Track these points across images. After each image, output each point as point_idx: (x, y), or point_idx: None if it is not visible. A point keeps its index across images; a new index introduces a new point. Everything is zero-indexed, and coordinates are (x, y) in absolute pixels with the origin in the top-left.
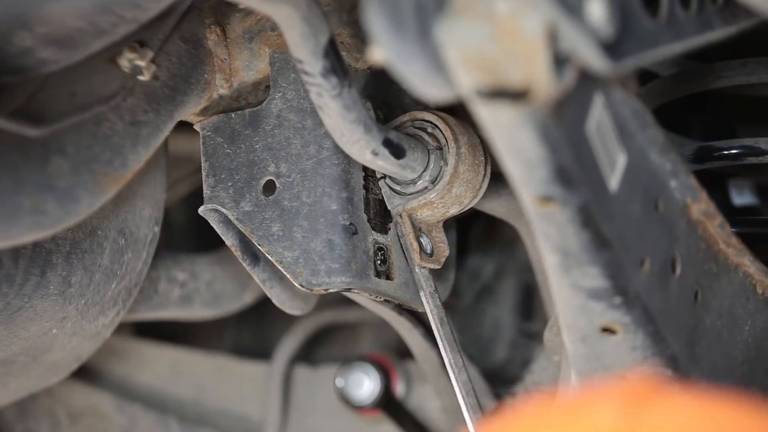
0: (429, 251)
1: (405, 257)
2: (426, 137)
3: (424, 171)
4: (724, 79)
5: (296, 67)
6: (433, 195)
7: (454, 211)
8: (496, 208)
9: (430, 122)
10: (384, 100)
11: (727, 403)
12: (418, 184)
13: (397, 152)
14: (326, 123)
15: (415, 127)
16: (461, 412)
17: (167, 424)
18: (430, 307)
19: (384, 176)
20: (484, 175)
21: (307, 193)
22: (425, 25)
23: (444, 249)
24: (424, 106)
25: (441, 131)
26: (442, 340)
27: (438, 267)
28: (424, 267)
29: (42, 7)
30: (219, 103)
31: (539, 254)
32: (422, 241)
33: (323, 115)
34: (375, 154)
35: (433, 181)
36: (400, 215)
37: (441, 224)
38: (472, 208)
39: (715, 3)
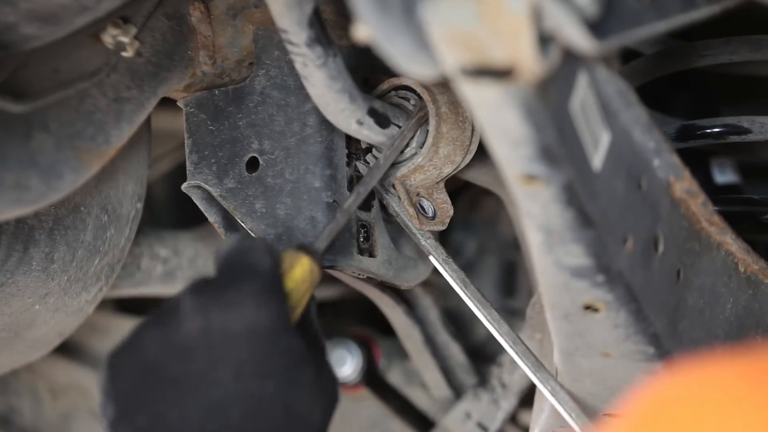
0: (431, 214)
1: (388, 234)
2: (410, 107)
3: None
4: (707, 58)
5: (281, 37)
6: (420, 159)
7: (448, 170)
8: (480, 177)
9: (409, 87)
10: (373, 67)
11: None
12: (406, 151)
13: (382, 121)
14: (311, 93)
15: (399, 97)
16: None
17: None
18: (449, 273)
19: (371, 148)
20: (473, 130)
21: (291, 170)
22: (410, 3)
23: (447, 209)
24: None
25: (419, 94)
26: (472, 301)
27: (443, 228)
28: (426, 231)
29: None
30: (202, 79)
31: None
32: (423, 204)
33: (308, 85)
34: (360, 123)
35: (420, 146)
36: (393, 185)
37: (442, 184)
38: (455, 183)
39: None
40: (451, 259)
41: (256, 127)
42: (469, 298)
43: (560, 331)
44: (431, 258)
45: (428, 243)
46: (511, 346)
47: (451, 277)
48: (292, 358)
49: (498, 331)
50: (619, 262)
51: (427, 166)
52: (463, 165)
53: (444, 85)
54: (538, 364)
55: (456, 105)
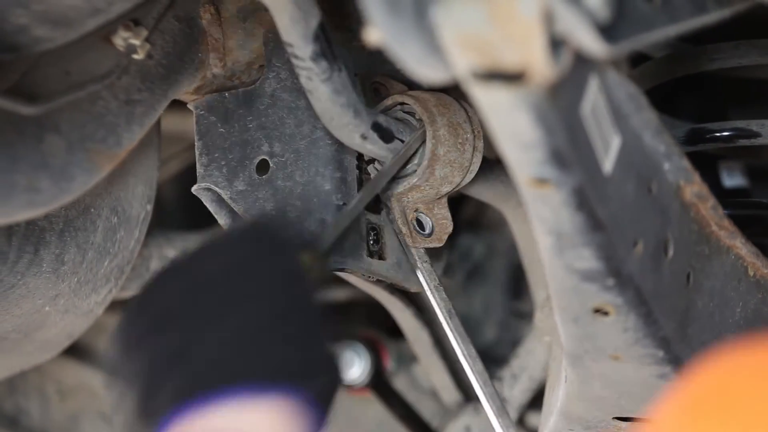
0: (428, 231)
1: (398, 238)
2: (414, 122)
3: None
4: (717, 61)
5: (286, 50)
6: (415, 179)
7: (446, 190)
8: (482, 192)
9: (409, 105)
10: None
11: None
12: (408, 167)
13: (386, 136)
14: (316, 107)
15: (404, 111)
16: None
17: None
18: (436, 301)
19: (373, 160)
20: (474, 151)
21: (301, 172)
22: (422, 7)
23: (447, 225)
24: (409, 87)
25: (418, 114)
26: (452, 333)
27: (439, 245)
28: (420, 247)
29: None
30: (213, 82)
31: (526, 238)
32: (422, 219)
33: (313, 99)
34: (364, 138)
35: (419, 165)
36: (390, 200)
37: (444, 200)
38: (460, 192)
39: None
40: (442, 287)
41: (267, 129)
42: (450, 330)
43: (569, 334)
44: (422, 281)
45: (423, 266)
46: (480, 386)
47: (437, 305)
48: (318, 320)
49: (471, 369)
50: (629, 265)
51: (424, 185)
52: (463, 185)
53: (444, 105)
54: (502, 410)
55: (456, 127)
